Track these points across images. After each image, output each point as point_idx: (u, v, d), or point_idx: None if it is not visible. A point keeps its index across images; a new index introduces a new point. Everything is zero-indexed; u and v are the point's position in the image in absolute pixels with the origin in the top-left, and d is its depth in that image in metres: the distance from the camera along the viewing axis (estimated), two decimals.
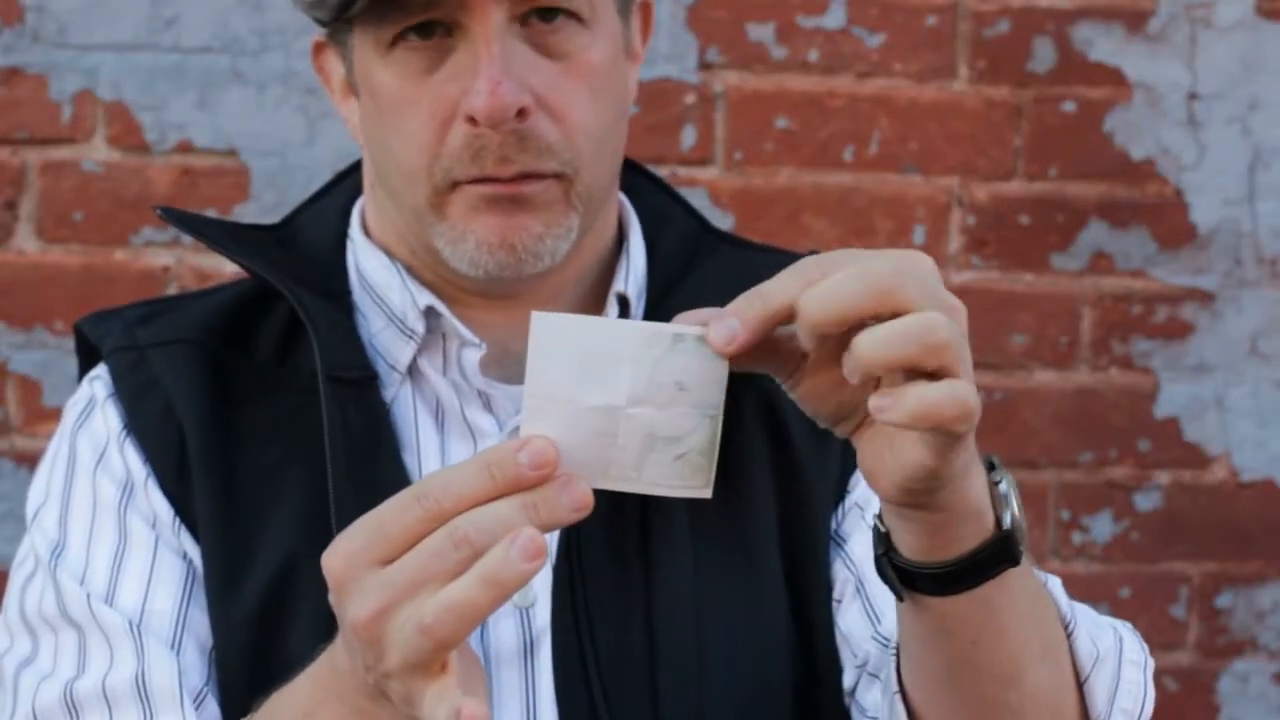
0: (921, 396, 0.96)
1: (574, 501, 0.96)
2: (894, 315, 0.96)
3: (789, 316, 0.98)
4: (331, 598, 0.99)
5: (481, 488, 0.95)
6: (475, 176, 1.23)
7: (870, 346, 0.96)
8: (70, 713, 1.23)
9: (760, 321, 0.98)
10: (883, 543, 1.11)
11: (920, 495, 1.04)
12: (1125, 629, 1.28)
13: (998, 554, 1.07)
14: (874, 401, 0.97)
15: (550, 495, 0.96)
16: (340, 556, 0.98)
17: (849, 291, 0.96)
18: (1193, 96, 2.50)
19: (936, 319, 0.96)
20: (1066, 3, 2.48)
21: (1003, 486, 1.08)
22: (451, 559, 0.95)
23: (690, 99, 2.43)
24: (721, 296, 1.31)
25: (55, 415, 2.34)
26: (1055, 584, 1.24)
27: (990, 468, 1.09)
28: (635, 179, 1.41)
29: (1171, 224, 2.51)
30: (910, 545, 1.08)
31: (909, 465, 1.01)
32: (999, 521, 1.07)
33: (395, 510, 0.97)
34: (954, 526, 1.06)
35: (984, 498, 1.06)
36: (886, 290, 0.96)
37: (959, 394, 0.97)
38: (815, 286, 0.97)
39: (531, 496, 0.96)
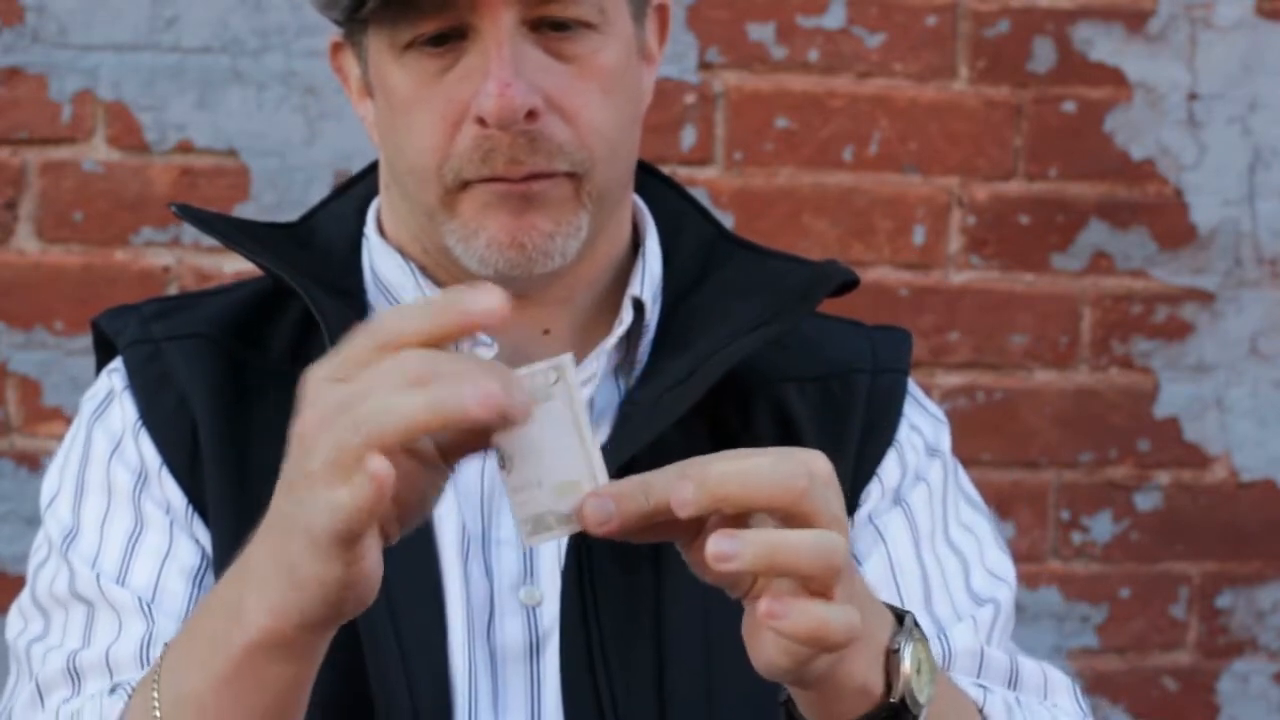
0: (810, 615, 0.96)
1: (479, 395, 0.92)
2: (793, 517, 0.96)
3: (670, 511, 0.96)
4: (297, 414, 0.97)
5: (427, 330, 0.94)
6: (486, 177, 1.23)
7: (767, 548, 0.95)
8: (72, 681, 1.24)
9: (638, 517, 0.97)
10: (787, 690, 1.10)
11: (787, 681, 1.04)
12: None
13: None
14: (767, 606, 0.96)
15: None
16: (313, 375, 0.97)
17: (767, 481, 0.95)
18: (1193, 96, 2.50)
19: (835, 539, 0.96)
20: (1066, 3, 2.48)
21: (900, 652, 1.06)
22: (407, 381, 0.93)
23: (690, 99, 2.43)
24: (737, 302, 1.32)
25: (55, 415, 2.35)
26: (994, 704, 1.22)
27: (900, 622, 1.07)
28: (651, 182, 1.42)
29: (1171, 224, 2.51)
30: (799, 704, 1.08)
31: (767, 662, 1.01)
32: (892, 689, 1.06)
33: (363, 339, 0.95)
34: (831, 702, 1.05)
35: (869, 673, 1.05)
36: (798, 491, 0.96)
37: (849, 620, 0.97)
38: (736, 462, 0.96)
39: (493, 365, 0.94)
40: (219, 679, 1.03)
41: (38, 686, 1.25)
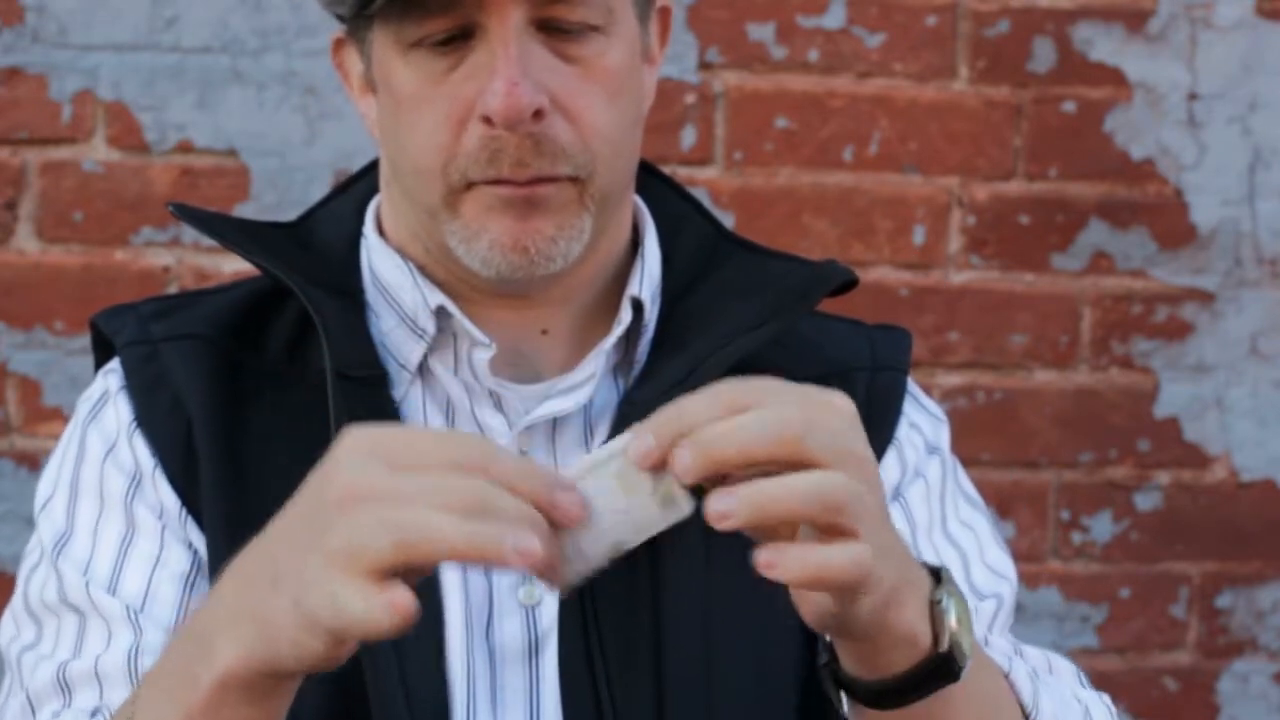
0: (805, 559, 0.97)
1: (569, 507, 0.95)
2: (795, 465, 0.97)
3: None
4: (327, 464, 0.97)
5: (517, 481, 0.95)
6: (491, 178, 1.23)
7: (760, 498, 0.96)
8: (63, 692, 1.23)
9: (674, 441, 0.98)
10: (828, 651, 1.11)
11: (836, 630, 1.05)
12: (1097, 704, 1.29)
13: (933, 674, 1.07)
14: (761, 557, 0.97)
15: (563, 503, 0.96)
16: (364, 438, 0.97)
17: (752, 435, 0.96)
18: (1193, 96, 2.50)
19: (833, 478, 0.97)
20: (1066, 3, 2.48)
21: (944, 604, 1.07)
22: (457, 503, 0.93)
23: (690, 99, 2.43)
24: (736, 302, 1.32)
25: (55, 415, 2.35)
26: (1019, 670, 1.23)
27: (938, 579, 1.08)
28: (652, 182, 1.41)
29: (1171, 224, 2.51)
30: (845, 661, 1.09)
31: (814, 609, 1.02)
32: (938, 640, 1.07)
33: (433, 440, 0.96)
34: (882, 652, 1.06)
35: (917, 621, 1.05)
36: (791, 440, 0.96)
37: (850, 558, 0.97)
38: (720, 424, 0.97)
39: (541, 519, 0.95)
40: (187, 716, 1.02)
41: (29, 698, 1.25)
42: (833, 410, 1.00)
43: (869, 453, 1.01)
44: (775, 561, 0.97)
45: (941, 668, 1.07)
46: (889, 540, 1.02)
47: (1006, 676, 1.22)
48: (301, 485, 1.00)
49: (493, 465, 0.95)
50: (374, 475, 0.94)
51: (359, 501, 0.93)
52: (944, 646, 1.06)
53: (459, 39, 1.23)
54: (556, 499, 0.95)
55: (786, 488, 0.96)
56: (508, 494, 0.94)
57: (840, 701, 1.12)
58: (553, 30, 1.23)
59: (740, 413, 0.97)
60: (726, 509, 0.96)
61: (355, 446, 0.96)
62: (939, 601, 1.07)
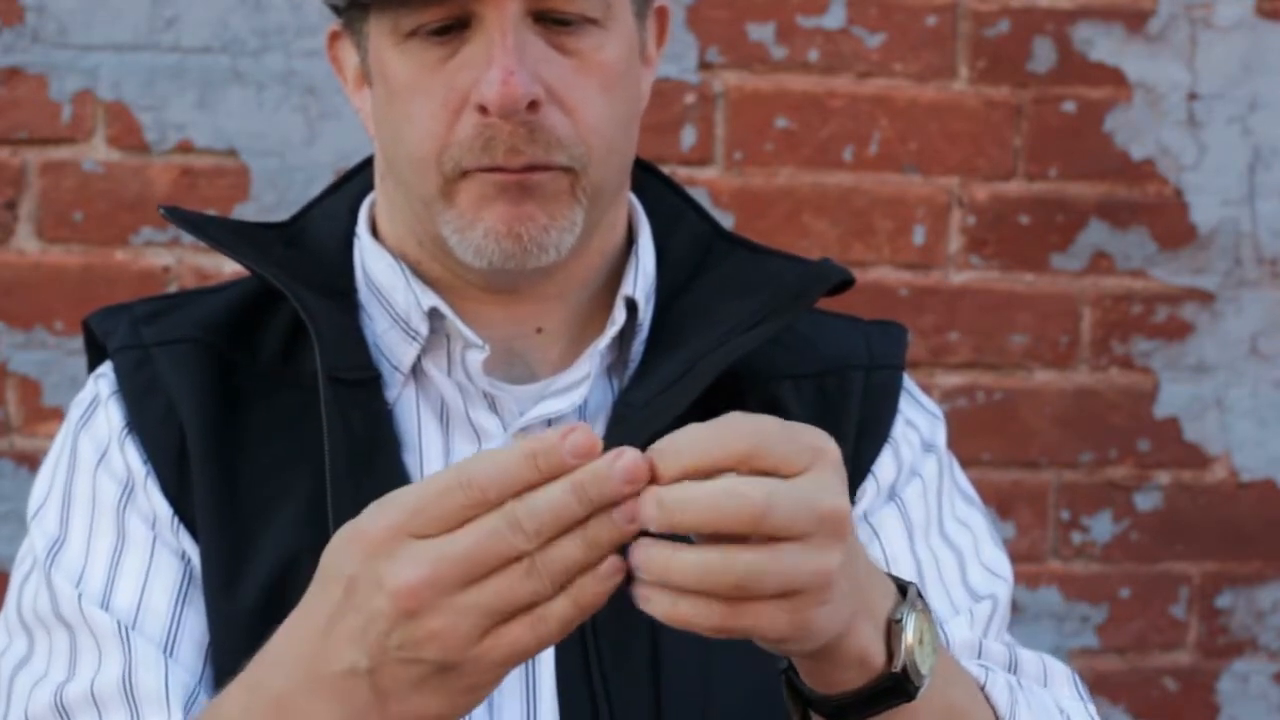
0: (740, 619, 0.96)
1: (625, 472, 0.94)
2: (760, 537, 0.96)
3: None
4: (353, 563, 0.97)
5: (527, 479, 0.94)
6: (485, 166, 1.23)
7: (674, 574, 0.96)
8: (61, 717, 1.23)
9: (665, 471, 0.97)
10: (786, 659, 1.10)
11: (785, 653, 1.04)
12: (1081, 714, 1.28)
13: (886, 693, 1.06)
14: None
15: (599, 469, 0.94)
16: (378, 524, 0.96)
17: (716, 510, 0.95)
18: (1193, 96, 2.50)
19: (776, 561, 0.95)
20: (1066, 3, 2.48)
21: (902, 622, 1.05)
22: (507, 542, 0.94)
23: (690, 99, 2.43)
24: (732, 300, 1.32)
25: (55, 415, 2.35)
26: (996, 682, 1.22)
27: (903, 594, 1.07)
28: (647, 180, 1.41)
29: (1171, 224, 2.51)
30: (801, 673, 1.08)
31: (758, 636, 1.02)
32: (893, 658, 1.05)
33: (436, 493, 0.95)
34: (834, 671, 1.05)
35: (870, 644, 1.04)
36: (751, 520, 0.94)
37: (802, 618, 0.97)
38: (691, 489, 0.95)
39: (579, 475, 0.94)
40: None
41: None
42: (819, 459, 0.97)
43: (842, 504, 0.98)
44: (645, 596, 0.98)
45: (895, 687, 1.05)
46: (846, 585, 1.00)
47: (982, 688, 1.21)
48: (317, 599, 1.01)
49: (505, 480, 0.95)
50: (420, 565, 0.95)
51: (426, 590, 0.96)
52: (897, 667, 1.05)
53: (455, 28, 1.23)
54: (568, 459, 0.95)
55: (686, 568, 0.96)
56: (530, 499, 0.94)
57: (796, 713, 1.11)
58: (549, 22, 1.24)
59: (726, 468, 0.95)
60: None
61: (373, 539, 0.97)
62: (898, 620, 1.05)
